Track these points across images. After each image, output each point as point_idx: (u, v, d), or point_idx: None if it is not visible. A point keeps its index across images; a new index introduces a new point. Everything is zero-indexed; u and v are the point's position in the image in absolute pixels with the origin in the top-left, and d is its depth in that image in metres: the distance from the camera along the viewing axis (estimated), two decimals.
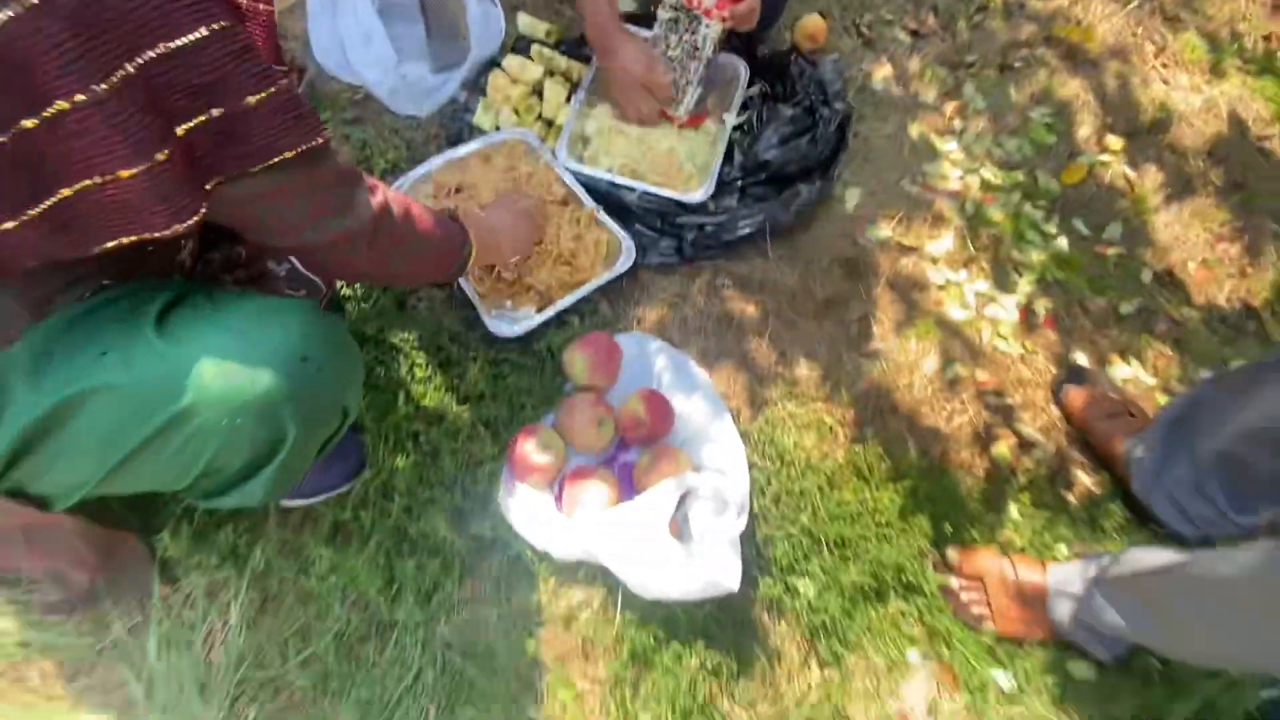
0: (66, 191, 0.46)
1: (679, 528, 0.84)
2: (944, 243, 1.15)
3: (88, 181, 0.46)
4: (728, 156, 1.12)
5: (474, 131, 1.13)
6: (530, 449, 0.88)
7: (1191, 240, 1.21)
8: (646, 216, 1.07)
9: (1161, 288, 1.17)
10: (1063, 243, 1.18)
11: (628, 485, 0.91)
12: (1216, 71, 1.37)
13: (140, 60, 0.43)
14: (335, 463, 0.86)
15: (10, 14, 0.39)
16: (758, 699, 0.84)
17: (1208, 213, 1.23)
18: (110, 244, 0.49)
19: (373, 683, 0.79)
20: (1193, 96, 1.33)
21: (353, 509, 0.86)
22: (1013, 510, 0.98)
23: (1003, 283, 1.14)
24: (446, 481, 0.89)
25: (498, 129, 1.13)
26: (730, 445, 0.91)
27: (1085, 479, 1.01)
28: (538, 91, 1.16)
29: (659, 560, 0.78)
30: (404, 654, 0.81)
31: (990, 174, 1.22)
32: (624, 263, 1.02)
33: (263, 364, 0.56)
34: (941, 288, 1.13)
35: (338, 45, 1.16)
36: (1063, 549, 0.96)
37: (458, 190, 1.06)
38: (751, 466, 0.94)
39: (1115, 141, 1.27)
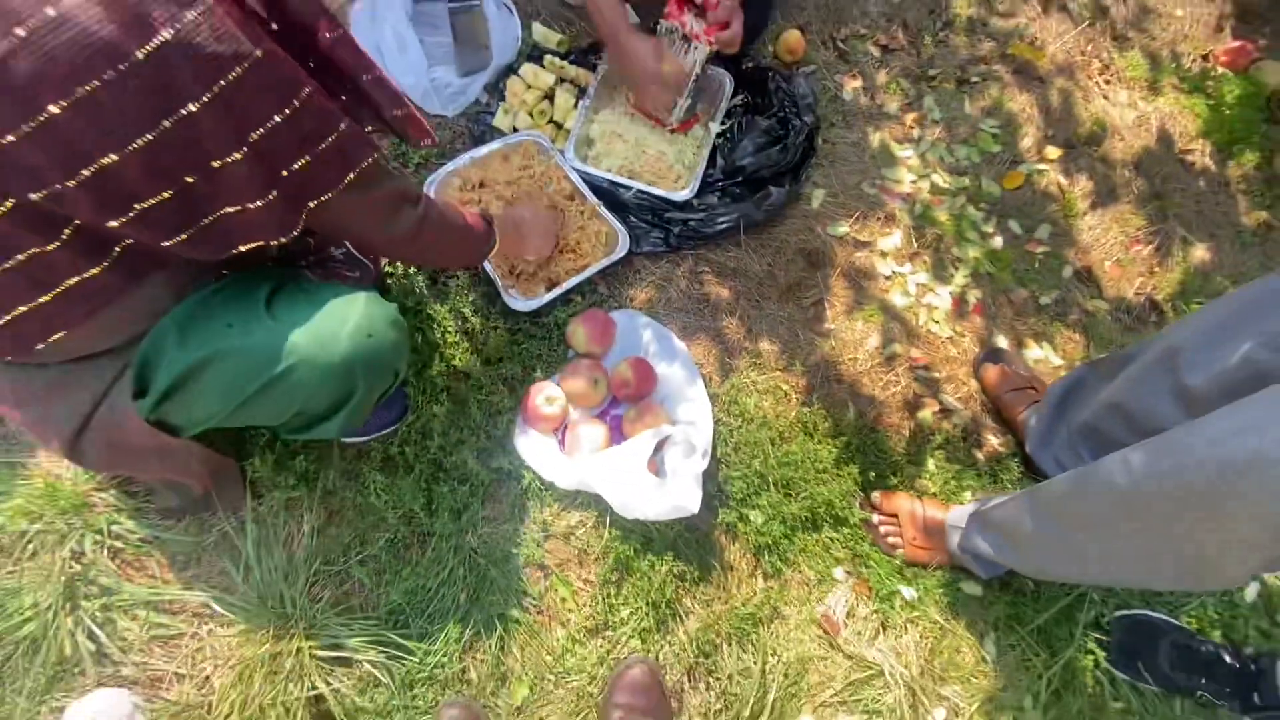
0: (209, 219, 0.66)
1: (656, 466, 1.07)
2: (893, 239, 1.35)
3: (224, 211, 0.66)
4: (711, 160, 1.31)
5: (494, 132, 1.31)
6: (540, 402, 1.10)
7: (1109, 242, 1.40)
8: (640, 211, 1.26)
9: (1079, 282, 1.37)
10: (998, 241, 1.37)
11: (617, 433, 1.14)
12: (1154, 89, 1.54)
13: (261, 130, 0.62)
14: (385, 410, 1.08)
15: (193, 108, 0.58)
16: (713, 599, 1.08)
17: (1127, 218, 1.42)
18: (235, 250, 0.69)
19: (417, 576, 1.03)
20: (1128, 112, 1.51)
21: (399, 445, 1.08)
22: (930, 464, 1.20)
23: (941, 275, 1.34)
24: (473, 426, 1.11)
25: (515, 130, 1.31)
26: (701, 404, 1.13)
27: (993, 440, 1.23)
28: (549, 97, 1.34)
29: (639, 489, 1.01)
30: (441, 556, 1.04)
31: (940, 179, 1.40)
32: (620, 250, 1.22)
33: (341, 338, 0.77)
34: (888, 278, 1.33)
35: (376, 52, 1.34)
36: (967, 496, 1.18)
37: (481, 185, 1.25)
38: (718, 421, 1.16)
39: (1053, 152, 1.45)
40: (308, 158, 0.66)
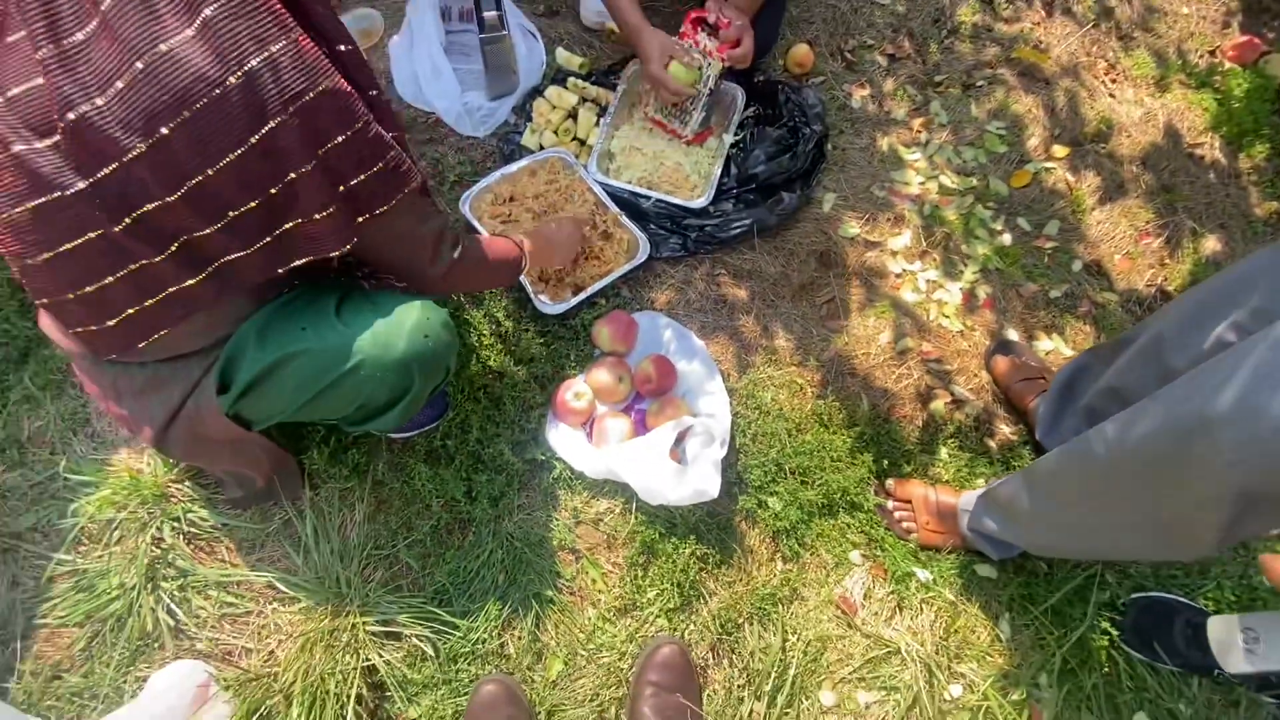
0: (286, 227, 0.78)
1: (678, 456, 1.16)
2: (903, 239, 1.43)
3: (297, 221, 0.78)
4: (725, 169, 1.41)
5: (522, 150, 1.43)
6: (569, 397, 1.21)
7: (1119, 235, 1.46)
8: (659, 219, 1.37)
9: (1089, 276, 1.43)
10: (1006, 238, 1.44)
11: (641, 425, 1.23)
12: (1161, 86, 1.60)
13: (328, 146, 0.74)
14: (428, 407, 1.20)
15: (273, 125, 0.70)
16: (734, 581, 1.16)
17: (1135, 211, 1.48)
18: (299, 262, 0.81)
19: (459, 559, 1.13)
20: (1135, 109, 1.57)
21: (441, 439, 1.19)
22: (943, 452, 1.27)
23: (951, 272, 1.41)
24: (508, 420, 1.22)
25: (541, 148, 1.43)
26: (719, 397, 1.22)
27: (1005, 429, 1.30)
28: (573, 116, 1.46)
29: (662, 476, 1.10)
30: (480, 540, 1.15)
31: (948, 180, 1.48)
32: (641, 256, 1.32)
33: (400, 339, 0.88)
34: (899, 276, 1.41)
35: (413, 79, 1.48)
36: (980, 483, 1.24)
37: (511, 199, 1.37)
38: (736, 414, 1.25)
39: (1060, 150, 1.52)
40: (363, 175, 0.78)
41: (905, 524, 1.20)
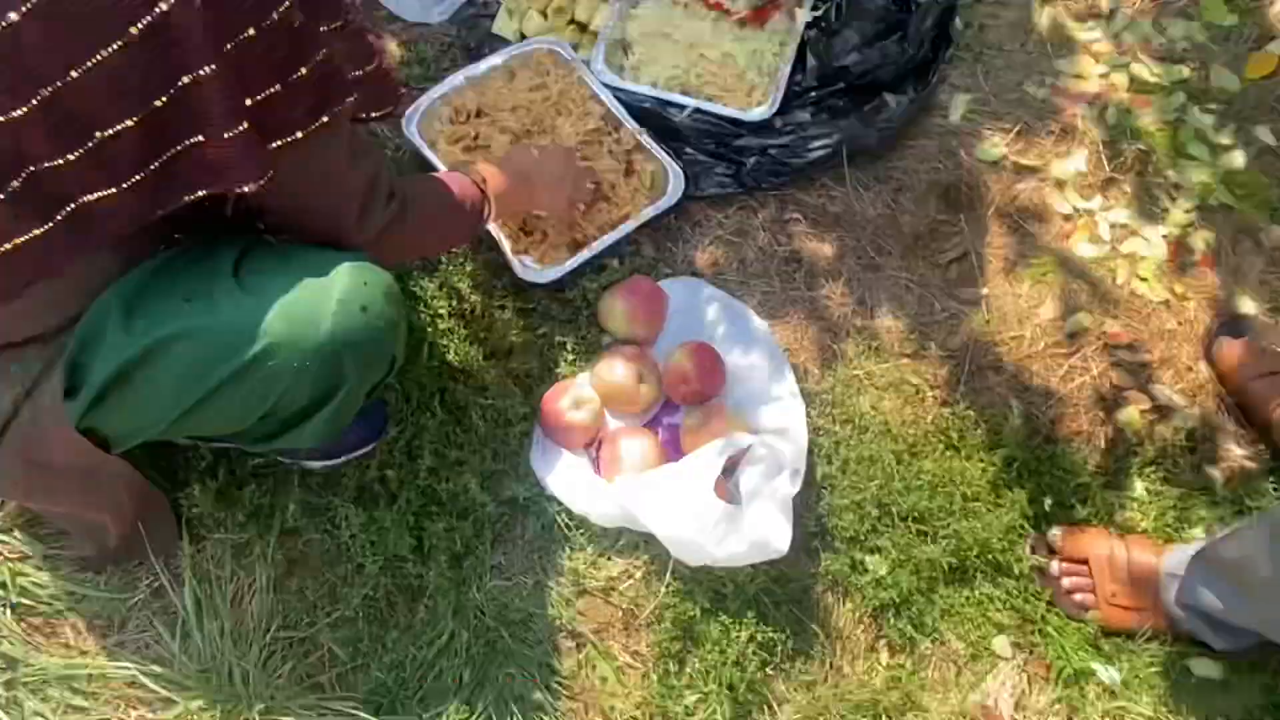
0: (175, 150, 0.82)
1: (728, 492, 1.18)
2: (1075, 162, 1.43)
3: (192, 143, 0.81)
4: (798, 62, 1.41)
5: (494, 42, 1.46)
6: (564, 407, 1.23)
7: None
8: (698, 139, 1.38)
9: None
10: (1237, 158, 1.43)
11: (673, 449, 1.25)
12: None
13: (234, 42, 0.78)
14: (357, 423, 1.23)
15: (167, 5, 0.74)
16: (816, 681, 1.17)
17: None
18: (190, 198, 0.85)
19: (405, 645, 1.17)
20: None
21: (378, 469, 1.23)
22: (1138, 487, 1.27)
23: (1149, 211, 1.40)
24: (475, 441, 1.25)
25: (523, 37, 1.46)
26: (790, 405, 1.24)
27: (1236, 451, 1.28)
28: None
29: (704, 523, 1.12)
30: (436, 617, 1.18)
31: (1145, 70, 1.47)
32: (671, 195, 1.34)
33: (326, 314, 0.91)
34: (1068, 218, 1.41)
35: None
36: (1198, 533, 1.23)
37: (478, 115, 1.41)
38: (816, 430, 1.26)
39: None
40: (279, 85, 0.82)
41: (1079, 595, 1.20)
